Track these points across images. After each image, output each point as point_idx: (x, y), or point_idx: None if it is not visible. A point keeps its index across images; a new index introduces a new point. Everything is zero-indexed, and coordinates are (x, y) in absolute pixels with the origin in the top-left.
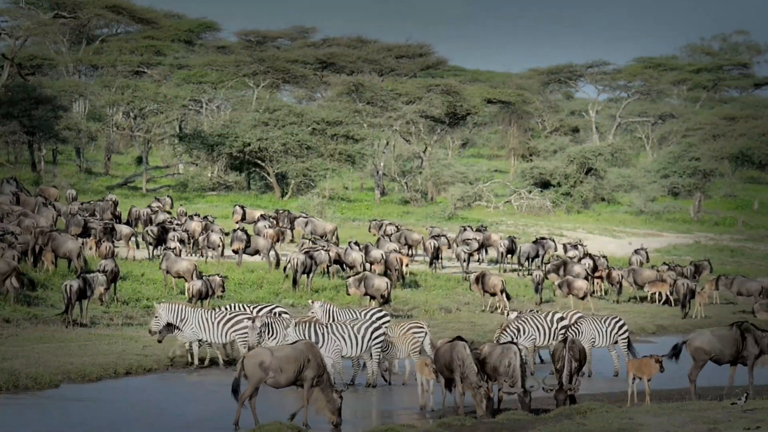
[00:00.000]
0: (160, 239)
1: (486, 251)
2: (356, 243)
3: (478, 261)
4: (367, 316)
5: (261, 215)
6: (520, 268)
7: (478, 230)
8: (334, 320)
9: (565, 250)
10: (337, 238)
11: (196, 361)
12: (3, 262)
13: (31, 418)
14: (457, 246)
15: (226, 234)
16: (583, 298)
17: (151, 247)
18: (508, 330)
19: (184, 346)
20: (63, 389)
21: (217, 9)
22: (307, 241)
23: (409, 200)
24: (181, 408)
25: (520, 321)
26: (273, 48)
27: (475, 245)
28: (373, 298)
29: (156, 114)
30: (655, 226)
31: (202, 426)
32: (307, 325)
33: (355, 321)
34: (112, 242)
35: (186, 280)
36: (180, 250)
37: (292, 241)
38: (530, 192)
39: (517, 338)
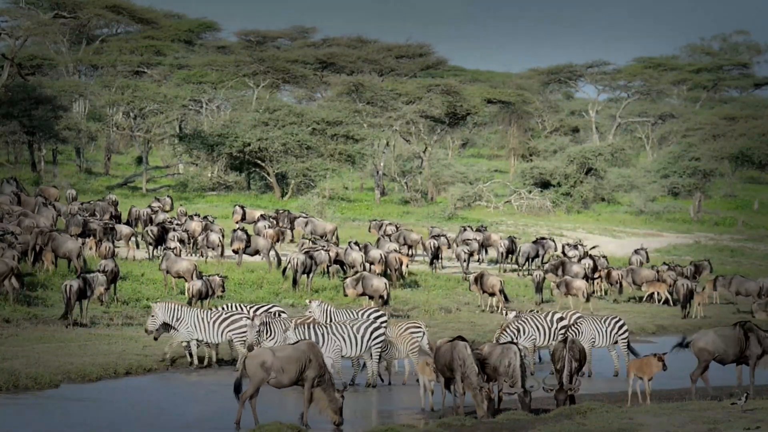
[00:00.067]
0: (160, 239)
1: (486, 251)
2: (356, 243)
3: (478, 261)
4: (365, 317)
5: (261, 215)
6: (520, 268)
7: (478, 230)
8: (331, 320)
9: (564, 252)
10: (337, 238)
11: (195, 361)
12: (1, 263)
13: (31, 418)
14: (457, 246)
15: (224, 237)
16: (588, 300)
17: (151, 247)
18: (508, 330)
19: (175, 347)
20: (63, 389)
21: (217, 9)
22: (307, 241)
23: (409, 200)
24: (181, 408)
25: (520, 321)
26: (273, 48)
27: (475, 246)
28: (371, 298)
29: (156, 114)
30: (655, 226)
31: (202, 426)
32: (307, 326)
33: (354, 321)
34: (112, 242)
35: (186, 280)
36: (180, 250)
37: (292, 241)
38: (530, 192)
39: (517, 338)
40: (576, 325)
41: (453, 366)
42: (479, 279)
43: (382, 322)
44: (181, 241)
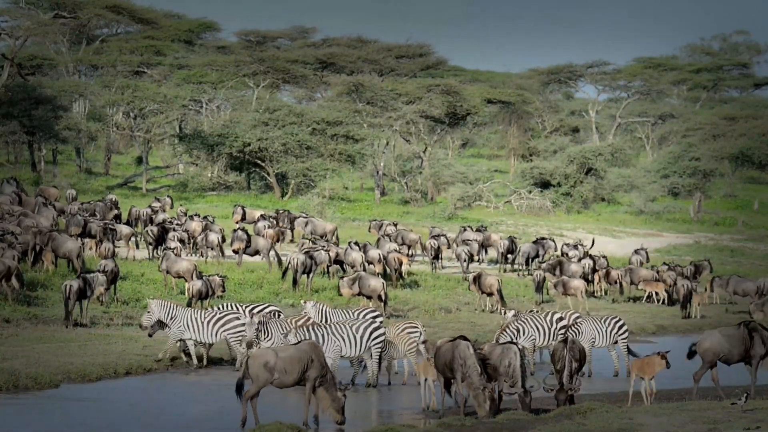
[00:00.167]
0: (160, 239)
1: (486, 251)
2: (356, 243)
3: (478, 261)
4: (363, 317)
5: (261, 215)
6: (520, 268)
7: (478, 230)
8: (327, 320)
9: (563, 252)
10: (337, 238)
11: (195, 361)
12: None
13: (31, 418)
14: (457, 246)
15: (224, 240)
16: (594, 296)
17: (151, 247)
18: (507, 330)
19: (170, 349)
20: (63, 389)
21: (217, 9)
22: (307, 241)
23: (409, 200)
24: (181, 408)
25: (519, 321)
26: (273, 48)
27: (476, 246)
28: (369, 298)
29: (156, 114)
30: (655, 226)
31: (202, 426)
32: (307, 327)
33: (354, 321)
34: (113, 242)
35: (186, 280)
36: (180, 250)
37: (292, 241)
38: (530, 192)
39: (516, 338)
40: (576, 325)
41: (453, 366)
42: (477, 279)
43: (380, 323)
44: (181, 241)
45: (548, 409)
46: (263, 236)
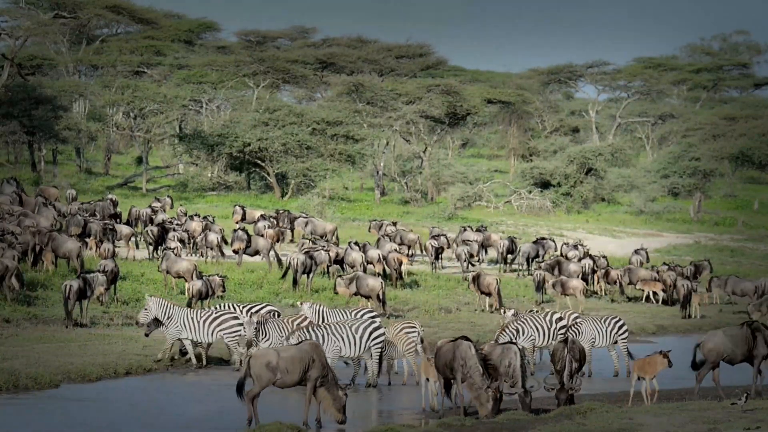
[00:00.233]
0: (160, 239)
1: (486, 251)
2: (356, 243)
3: (478, 261)
4: (358, 317)
5: (261, 215)
6: (520, 268)
7: (478, 230)
8: (324, 321)
9: (562, 252)
10: (337, 238)
11: (194, 360)
12: None
13: (31, 418)
14: (457, 246)
15: (225, 241)
16: (595, 295)
17: (151, 248)
18: (507, 330)
19: (168, 350)
20: (63, 389)
21: (217, 9)
22: (307, 241)
23: (409, 200)
24: (181, 408)
25: (519, 322)
26: (273, 48)
27: (476, 247)
28: (367, 298)
29: (156, 114)
30: (655, 226)
31: (202, 426)
32: (307, 328)
33: (354, 321)
34: (113, 242)
35: (186, 280)
36: (180, 250)
37: (292, 241)
38: (530, 192)
39: (516, 339)
40: (576, 326)
41: (454, 366)
42: (476, 279)
43: (380, 323)
44: (181, 241)
45: (548, 409)
46: (263, 236)
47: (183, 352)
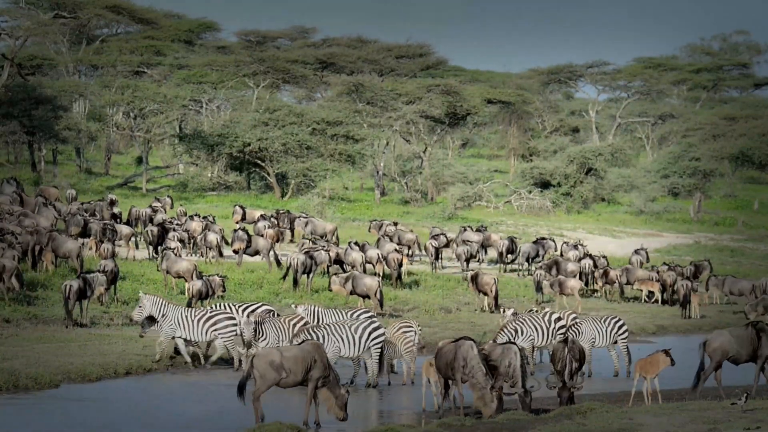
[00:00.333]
0: (160, 239)
1: (486, 251)
2: (356, 243)
3: (478, 261)
4: (355, 317)
5: (261, 215)
6: (520, 268)
7: (478, 230)
8: (319, 321)
9: (562, 252)
10: (337, 238)
11: (188, 359)
12: None
13: (31, 418)
14: (457, 246)
15: (225, 241)
16: (595, 295)
17: (151, 247)
18: (505, 330)
19: (165, 349)
20: (63, 389)
21: (217, 9)
22: (307, 241)
23: (409, 200)
24: (181, 408)
25: (518, 322)
26: (273, 48)
27: (476, 248)
28: (364, 297)
29: (156, 114)
30: (655, 226)
31: (202, 426)
32: (306, 329)
33: (353, 322)
34: (113, 242)
35: (186, 280)
36: (179, 250)
37: (291, 241)
38: (530, 192)
39: (515, 339)
40: (576, 325)
41: (454, 365)
42: (474, 278)
43: (379, 323)
44: (181, 241)
45: (548, 409)
46: (263, 236)
47: (178, 351)
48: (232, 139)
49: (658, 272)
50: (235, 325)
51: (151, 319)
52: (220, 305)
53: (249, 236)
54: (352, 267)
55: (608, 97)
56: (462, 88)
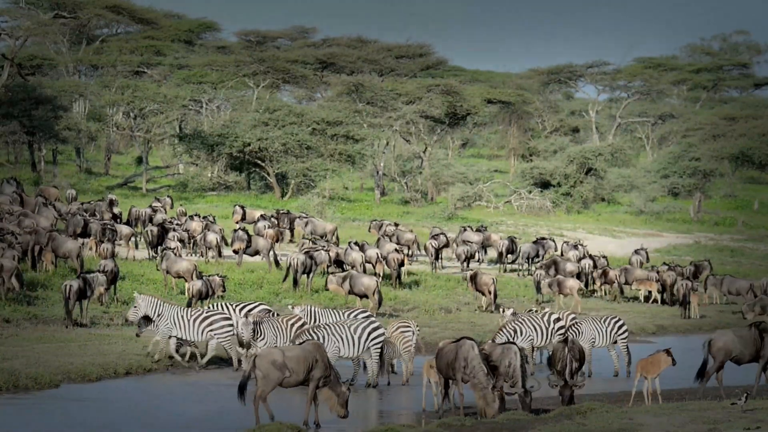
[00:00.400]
0: (160, 239)
1: (486, 251)
2: (356, 243)
3: (478, 261)
4: (353, 317)
5: (261, 215)
6: (520, 268)
7: (478, 230)
8: (315, 321)
9: (562, 252)
10: (337, 238)
11: (178, 358)
12: None
13: (31, 418)
14: (457, 246)
15: (225, 242)
16: (594, 295)
17: (151, 247)
18: (504, 330)
19: (161, 348)
20: (63, 389)
21: (217, 9)
22: (307, 241)
23: (409, 200)
24: (181, 408)
25: (517, 322)
26: (273, 48)
27: (476, 248)
28: (362, 297)
29: (156, 114)
30: (655, 226)
31: (202, 426)
32: (306, 329)
33: (353, 322)
34: (113, 242)
35: (186, 280)
36: (179, 250)
37: (291, 241)
38: (530, 192)
39: (513, 339)
40: (576, 325)
41: (455, 366)
42: (473, 278)
43: (379, 324)
44: (180, 241)
45: (548, 409)
46: (263, 236)
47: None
48: (232, 139)
49: (658, 272)
50: (231, 325)
51: (147, 319)
52: (216, 305)
53: (249, 236)
54: (352, 267)
55: (608, 97)
56: (462, 88)
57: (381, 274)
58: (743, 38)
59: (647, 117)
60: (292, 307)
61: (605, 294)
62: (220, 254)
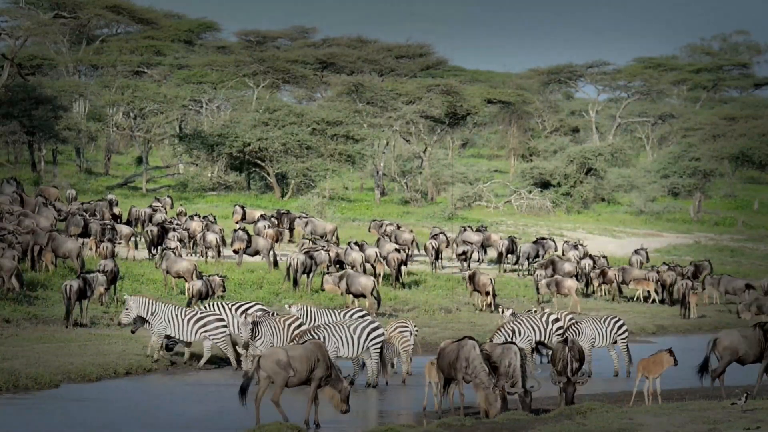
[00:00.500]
0: (160, 239)
1: (486, 251)
2: (356, 243)
3: (478, 261)
4: (349, 317)
5: (261, 215)
6: (521, 268)
7: (478, 230)
8: (312, 321)
9: (563, 251)
10: (337, 238)
11: (156, 357)
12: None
13: (31, 418)
14: (457, 246)
15: (224, 242)
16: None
17: (152, 247)
18: (502, 330)
19: (157, 347)
20: (63, 389)
21: (217, 9)
22: (307, 241)
23: (409, 200)
24: (181, 408)
25: (515, 322)
26: (273, 48)
27: (475, 248)
28: (361, 297)
29: (156, 114)
30: (655, 226)
31: (202, 426)
32: (308, 330)
33: (352, 322)
34: (113, 242)
35: (186, 280)
36: (179, 250)
37: (291, 241)
38: (530, 192)
39: (512, 339)
40: (576, 325)
41: (456, 366)
42: (472, 277)
43: (378, 324)
44: (180, 240)
45: (548, 409)
46: (263, 236)
47: (169, 348)
48: (232, 139)
49: (658, 272)
50: (225, 326)
51: (141, 319)
52: (210, 305)
53: (249, 236)
54: (352, 267)
55: (608, 97)
56: (462, 88)
57: (381, 274)
58: (743, 38)
59: (647, 117)
60: (289, 306)
61: (605, 294)
62: (219, 254)
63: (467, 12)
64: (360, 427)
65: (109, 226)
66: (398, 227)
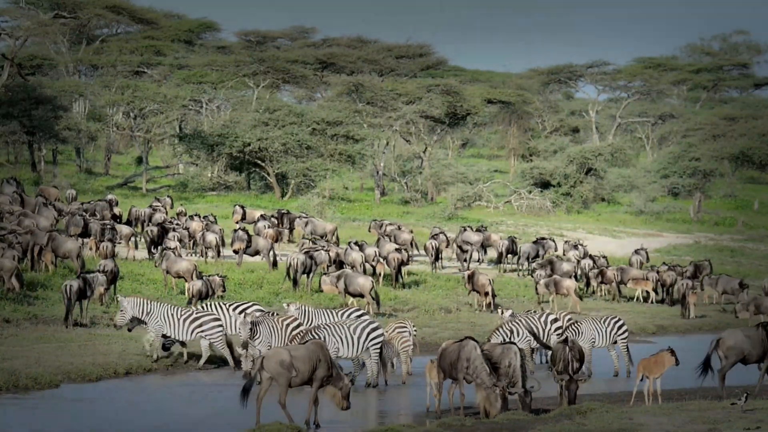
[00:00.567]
0: (160, 239)
1: (486, 251)
2: (356, 243)
3: (478, 261)
4: (351, 317)
5: (261, 215)
6: (521, 268)
7: (478, 230)
8: (310, 321)
9: (564, 251)
10: (337, 238)
11: (155, 356)
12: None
13: (31, 418)
14: (457, 246)
15: (223, 242)
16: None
17: (152, 247)
18: (500, 331)
19: (156, 346)
20: (63, 389)
21: (217, 9)
22: (307, 241)
23: (409, 200)
24: (181, 408)
25: (514, 322)
26: (273, 48)
27: (475, 248)
28: (359, 296)
29: (156, 114)
30: (655, 226)
31: (203, 426)
32: (308, 330)
33: (352, 322)
34: (113, 242)
35: (186, 280)
36: (179, 250)
37: (291, 241)
38: (530, 192)
39: (510, 340)
40: (576, 326)
41: (457, 366)
42: (471, 277)
43: (378, 324)
44: (180, 240)
45: (548, 409)
46: (263, 236)
47: (165, 347)
48: (232, 139)
49: (658, 272)
50: (221, 326)
51: (137, 319)
52: (208, 305)
53: (249, 236)
54: (352, 267)
55: (608, 97)
56: (462, 88)
57: (381, 274)
58: (743, 38)
59: (647, 117)
60: (288, 306)
61: (604, 294)
62: (219, 254)
63: (467, 12)
64: (360, 427)
65: (109, 226)
66: (399, 227)
